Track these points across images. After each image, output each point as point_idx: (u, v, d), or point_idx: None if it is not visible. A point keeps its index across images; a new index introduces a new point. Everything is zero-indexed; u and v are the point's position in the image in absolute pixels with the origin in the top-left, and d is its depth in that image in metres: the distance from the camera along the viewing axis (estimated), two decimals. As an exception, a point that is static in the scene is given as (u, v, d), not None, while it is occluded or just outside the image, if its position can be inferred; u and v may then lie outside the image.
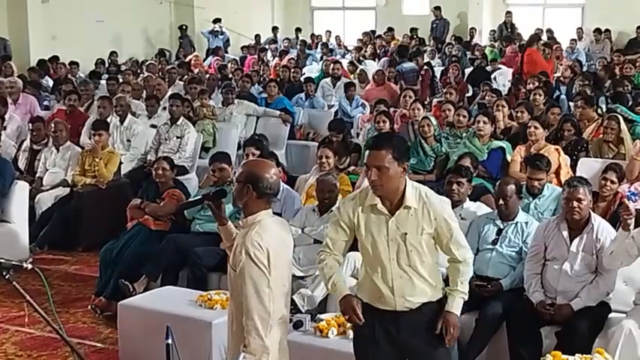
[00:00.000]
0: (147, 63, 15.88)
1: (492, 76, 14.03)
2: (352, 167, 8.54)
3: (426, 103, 11.26)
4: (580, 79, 12.01)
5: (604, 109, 9.84)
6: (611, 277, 5.30)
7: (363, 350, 4.15)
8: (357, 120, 11.38)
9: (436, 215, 3.98)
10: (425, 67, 14.29)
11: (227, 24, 19.73)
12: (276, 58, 17.67)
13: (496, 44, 18.18)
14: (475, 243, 5.89)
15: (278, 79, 13.49)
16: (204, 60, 17.96)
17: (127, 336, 5.77)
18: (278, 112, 11.33)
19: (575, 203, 5.31)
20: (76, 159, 8.92)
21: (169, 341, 4.22)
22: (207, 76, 14.05)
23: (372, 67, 15.43)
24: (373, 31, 20.67)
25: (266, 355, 3.53)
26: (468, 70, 14.93)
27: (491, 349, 5.42)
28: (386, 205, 3.99)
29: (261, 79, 13.97)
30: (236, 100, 11.42)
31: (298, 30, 21.40)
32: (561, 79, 13.17)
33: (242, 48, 19.32)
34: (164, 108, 10.80)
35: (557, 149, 7.84)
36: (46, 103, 12.62)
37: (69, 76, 14.48)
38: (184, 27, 19.49)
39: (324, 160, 7.58)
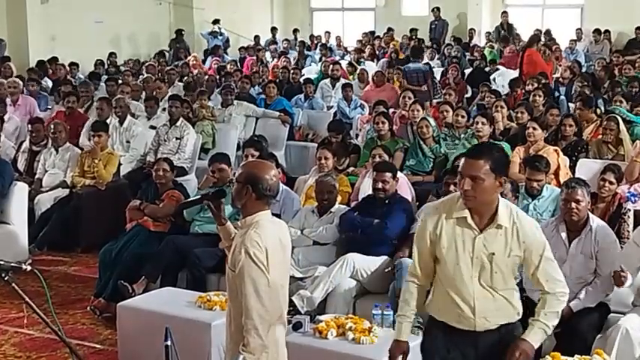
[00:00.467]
0: (146, 64, 15.89)
1: (491, 77, 14.04)
2: (351, 168, 8.55)
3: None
4: (579, 79, 12.02)
5: (602, 110, 9.85)
6: (610, 279, 5.30)
7: None
8: (356, 121, 11.38)
9: (525, 239, 3.73)
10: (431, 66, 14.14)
11: (226, 25, 19.73)
12: (275, 59, 17.67)
13: (495, 45, 18.18)
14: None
15: (277, 80, 13.50)
16: (203, 61, 17.96)
17: (126, 337, 5.77)
18: (277, 113, 11.34)
19: (574, 204, 5.32)
20: (75, 160, 8.92)
21: (168, 342, 4.22)
22: (207, 77, 14.04)
23: (371, 68, 15.42)
24: (372, 32, 20.67)
25: (265, 354, 3.54)
26: (467, 71, 14.93)
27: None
28: (475, 220, 3.74)
29: (261, 80, 13.97)
30: (235, 101, 11.42)
31: (296, 31, 21.41)
32: (560, 79, 13.18)
33: (240, 49, 19.31)
34: (163, 109, 10.81)
35: (556, 150, 7.83)
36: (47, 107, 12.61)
37: (68, 77, 14.49)
38: (182, 32, 19.42)
39: (323, 161, 7.59)
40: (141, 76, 14.29)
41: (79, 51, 16.57)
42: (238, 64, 17.07)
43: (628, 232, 6.20)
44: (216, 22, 19.49)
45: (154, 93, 11.96)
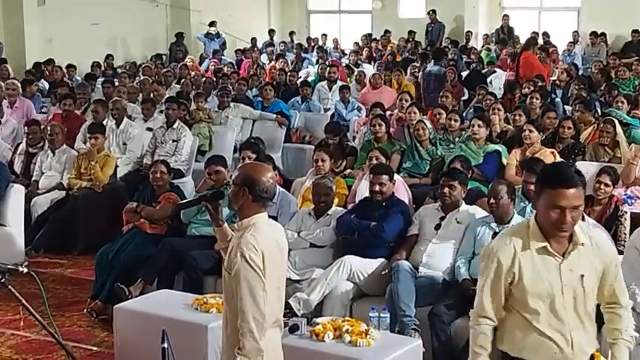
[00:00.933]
0: (143, 66, 15.88)
1: (488, 80, 14.04)
2: (348, 170, 8.54)
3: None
4: (575, 82, 12.03)
5: (599, 113, 9.86)
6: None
7: None
8: (353, 123, 11.39)
9: (605, 250, 3.52)
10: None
11: (223, 27, 19.73)
12: (272, 62, 17.68)
13: (492, 47, 18.20)
14: (471, 247, 5.90)
15: (274, 83, 13.51)
16: (200, 64, 17.95)
17: (122, 340, 5.76)
18: (274, 116, 11.34)
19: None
20: (71, 162, 8.92)
21: (165, 345, 4.20)
22: (204, 79, 14.04)
23: (368, 70, 15.43)
24: (369, 35, 20.69)
25: (260, 357, 3.52)
26: (464, 74, 14.93)
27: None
28: (554, 247, 3.43)
29: (258, 82, 13.98)
30: (232, 104, 11.42)
31: (293, 34, 21.40)
32: (557, 82, 13.20)
33: (236, 51, 19.31)
34: (160, 111, 10.80)
35: (552, 152, 7.84)
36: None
37: (65, 79, 14.47)
38: (182, 35, 19.42)
39: (320, 163, 7.59)
40: (137, 79, 14.29)
41: (76, 53, 16.58)
42: (235, 66, 17.07)
43: (625, 234, 6.21)
44: (212, 24, 19.49)
45: (151, 95, 11.95)
